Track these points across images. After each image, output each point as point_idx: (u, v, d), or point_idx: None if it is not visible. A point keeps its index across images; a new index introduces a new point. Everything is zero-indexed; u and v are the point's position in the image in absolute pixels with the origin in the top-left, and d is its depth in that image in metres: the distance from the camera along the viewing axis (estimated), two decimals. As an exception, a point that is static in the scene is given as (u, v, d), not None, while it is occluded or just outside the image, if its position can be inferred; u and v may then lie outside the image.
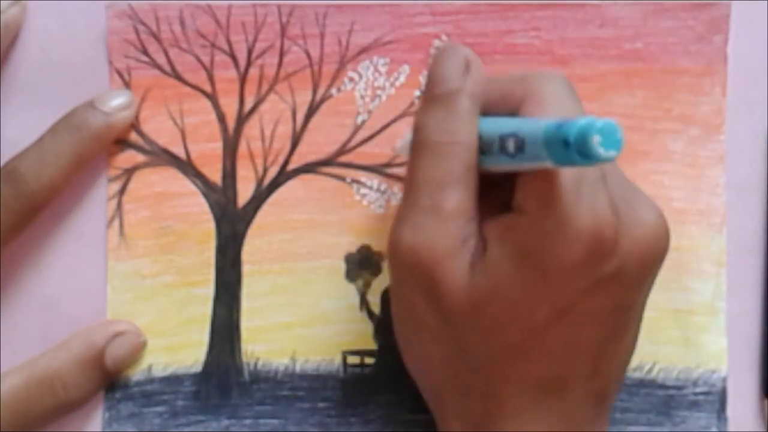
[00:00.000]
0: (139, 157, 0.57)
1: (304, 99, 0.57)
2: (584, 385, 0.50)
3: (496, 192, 0.50)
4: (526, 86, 0.50)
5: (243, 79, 0.57)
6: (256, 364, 0.57)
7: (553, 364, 0.49)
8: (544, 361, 0.49)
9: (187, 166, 0.57)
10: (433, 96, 0.51)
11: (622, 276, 0.48)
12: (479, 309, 0.48)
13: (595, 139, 0.43)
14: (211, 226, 0.57)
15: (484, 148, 0.49)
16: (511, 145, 0.47)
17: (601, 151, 0.43)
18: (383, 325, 0.57)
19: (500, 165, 0.48)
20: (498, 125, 0.49)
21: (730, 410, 0.57)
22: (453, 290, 0.48)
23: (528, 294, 0.48)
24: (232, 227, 0.57)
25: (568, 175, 0.47)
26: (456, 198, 0.49)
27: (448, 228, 0.48)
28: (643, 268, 0.49)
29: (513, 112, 0.49)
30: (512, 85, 0.50)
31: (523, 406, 0.49)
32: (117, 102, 0.56)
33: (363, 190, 0.57)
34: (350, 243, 0.57)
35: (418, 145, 0.50)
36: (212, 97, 0.57)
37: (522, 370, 0.49)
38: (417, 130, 0.50)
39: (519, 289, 0.48)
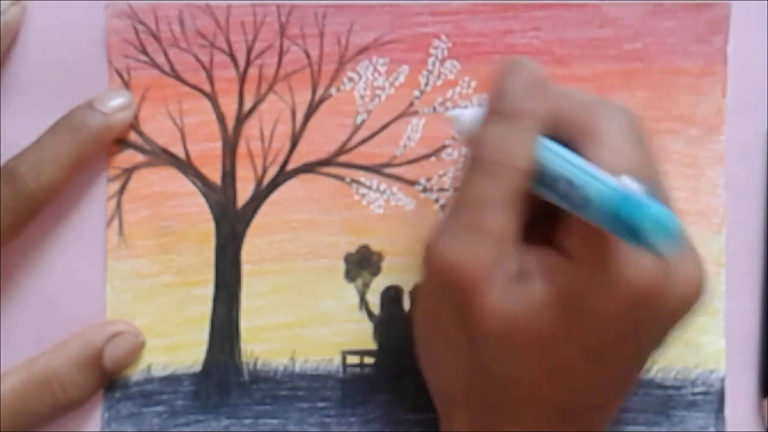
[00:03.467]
0: (139, 157, 0.57)
1: (303, 99, 0.57)
2: (598, 414, 0.50)
3: (536, 213, 0.49)
4: (590, 118, 0.48)
5: (242, 79, 0.57)
6: (255, 364, 0.57)
7: (572, 396, 0.49)
8: (563, 392, 0.49)
9: (187, 166, 0.57)
10: (495, 110, 0.49)
11: (657, 325, 0.49)
12: (508, 336, 0.48)
13: (650, 229, 0.42)
14: (210, 225, 0.57)
15: (537, 176, 0.48)
16: (562, 188, 0.46)
17: (654, 242, 0.42)
18: (383, 324, 0.57)
19: (550, 197, 0.47)
20: (556, 159, 0.47)
21: (729, 410, 0.57)
22: (485, 312, 0.47)
23: (562, 333, 0.48)
24: (231, 227, 0.57)
25: None
26: (500, 221, 0.47)
27: (487, 249, 0.47)
28: (677, 319, 0.49)
29: (571, 138, 0.48)
30: (577, 110, 0.49)
31: (535, 424, 0.49)
32: (116, 102, 0.56)
33: (362, 190, 0.57)
34: (350, 243, 0.57)
35: (472, 160, 0.49)
36: (212, 97, 0.57)
37: (539, 397, 0.49)
38: (475, 144, 0.49)
39: (554, 326, 0.47)
